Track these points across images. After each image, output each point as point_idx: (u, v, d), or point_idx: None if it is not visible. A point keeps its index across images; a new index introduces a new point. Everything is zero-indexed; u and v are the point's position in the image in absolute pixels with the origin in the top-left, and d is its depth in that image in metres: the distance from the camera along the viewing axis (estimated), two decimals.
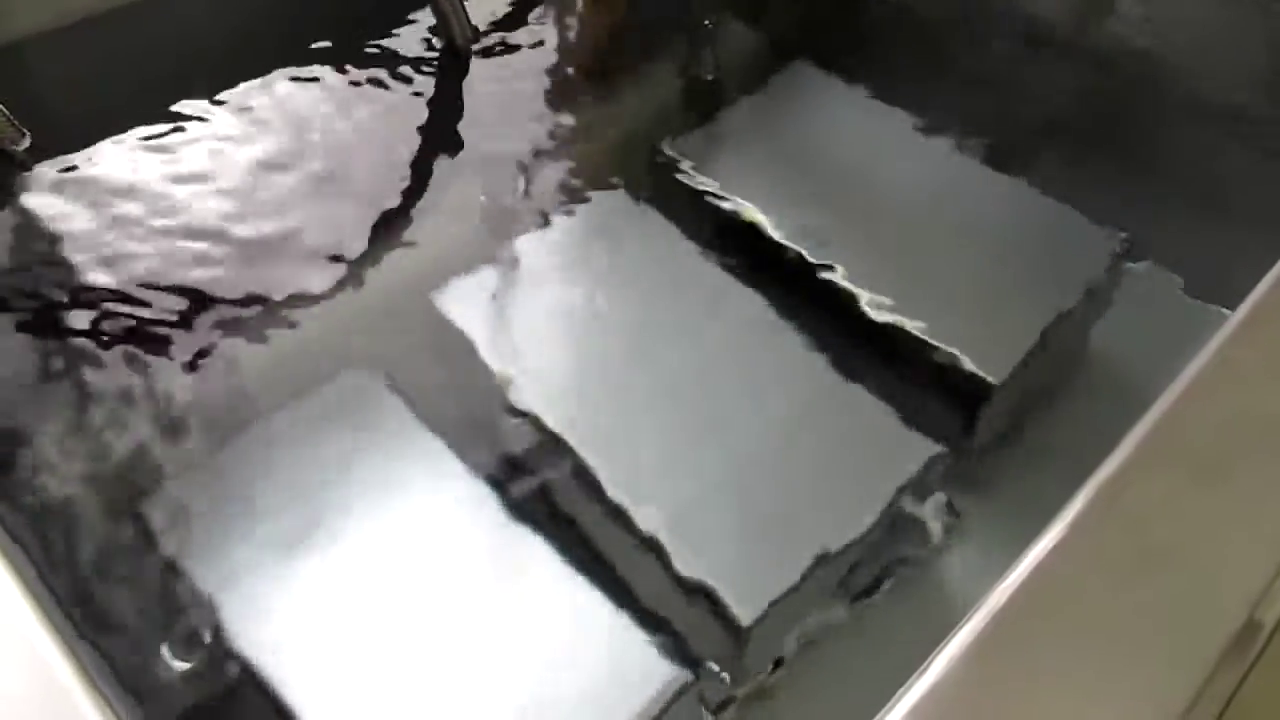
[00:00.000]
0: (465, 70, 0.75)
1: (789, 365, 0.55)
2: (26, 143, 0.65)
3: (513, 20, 0.78)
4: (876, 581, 0.54)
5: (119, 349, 0.57)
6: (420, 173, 0.68)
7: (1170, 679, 0.33)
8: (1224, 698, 0.34)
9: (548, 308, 0.57)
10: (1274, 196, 0.67)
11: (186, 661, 0.46)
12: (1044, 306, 0.57)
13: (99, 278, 0.60)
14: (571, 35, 0.78)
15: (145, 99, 0.68)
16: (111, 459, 0.53)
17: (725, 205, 0.62)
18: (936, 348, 0.56)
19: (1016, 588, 0.34)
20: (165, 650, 0.46)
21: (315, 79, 0.72)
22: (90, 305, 0.59)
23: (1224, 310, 0.63)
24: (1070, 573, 0.35)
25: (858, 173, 0.65)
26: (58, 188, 0.64)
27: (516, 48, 0.77)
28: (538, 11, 0.79)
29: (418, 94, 0.73)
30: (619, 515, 0.49)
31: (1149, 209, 0.67)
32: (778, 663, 0.51)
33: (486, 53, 0.76)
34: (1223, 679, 0.33)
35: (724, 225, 0.62)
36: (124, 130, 0.67)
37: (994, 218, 0.62)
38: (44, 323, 0.58)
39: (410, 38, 0.75)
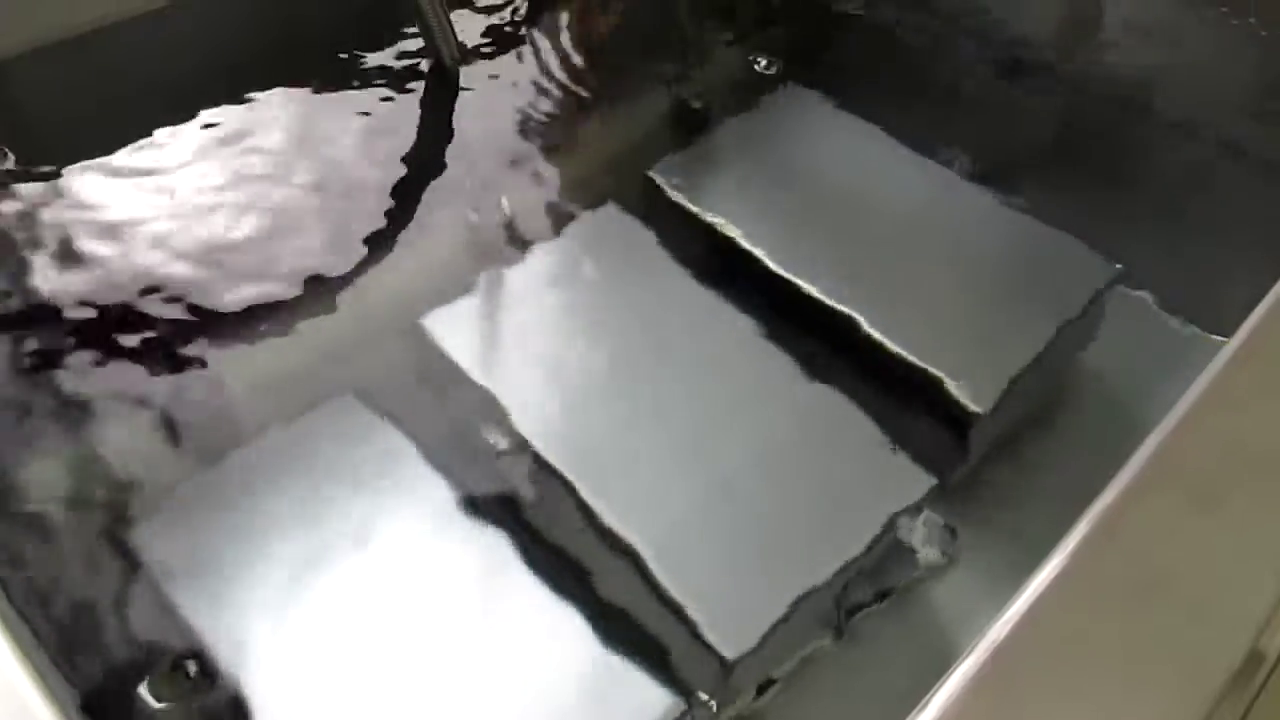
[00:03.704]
0: (453, 90, 0.75)
1: (779, 391, 0.55)
2: (9, 163, 0.65)
3: (501, 40, 0.78)
4: (866, 608, 0.53)
5: (99, 371, 0.56)
6: (407, 194, 0.68)
7: (1173, 712, 0.32)
8: None
9: (536, 331, 0.57)
10: (1262, 221, 0.67)
11: (166, 699, 0.45)
12: (1033, 332, 0.57)
13: (79, 299, 0.59)
14: (560, 56, 0.78)
15: (127, 119, 0.68)
16: (91, 483, 0.53)
17: (715, 228, 0.62)
18: (925, 373, 0.55)
19: (1016, 620, 0.34)
20: (144, 686, 0.45)
21: (301, 99, 0.72)
22: (69, 327, 0.58)
23: (1212, 336, 0.64)
24: (1070, 604, 0.35)
25: (848, 196, 0.65)
26: (38, 207, 0.63)
27: (505, 68, 0.77)
28: (526, 32, 0.79)
29: (405, 114, 0.72)
30: (608, 541, 0.49)
31: (1136, 231, 0.67)
32: (765, 689, 0.50)
33: (475, 73, 0.76)
34: (1226, 712, 0.32)
35: (714, 248, 0.62)
36: (105, 150, 0.66)
37: (984, 242, 0.62)
38: (21, 342, 0.57)
39: (397, 58, 0.75)
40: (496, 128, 0.73)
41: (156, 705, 0.45)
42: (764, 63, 0.78)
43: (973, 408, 0.54)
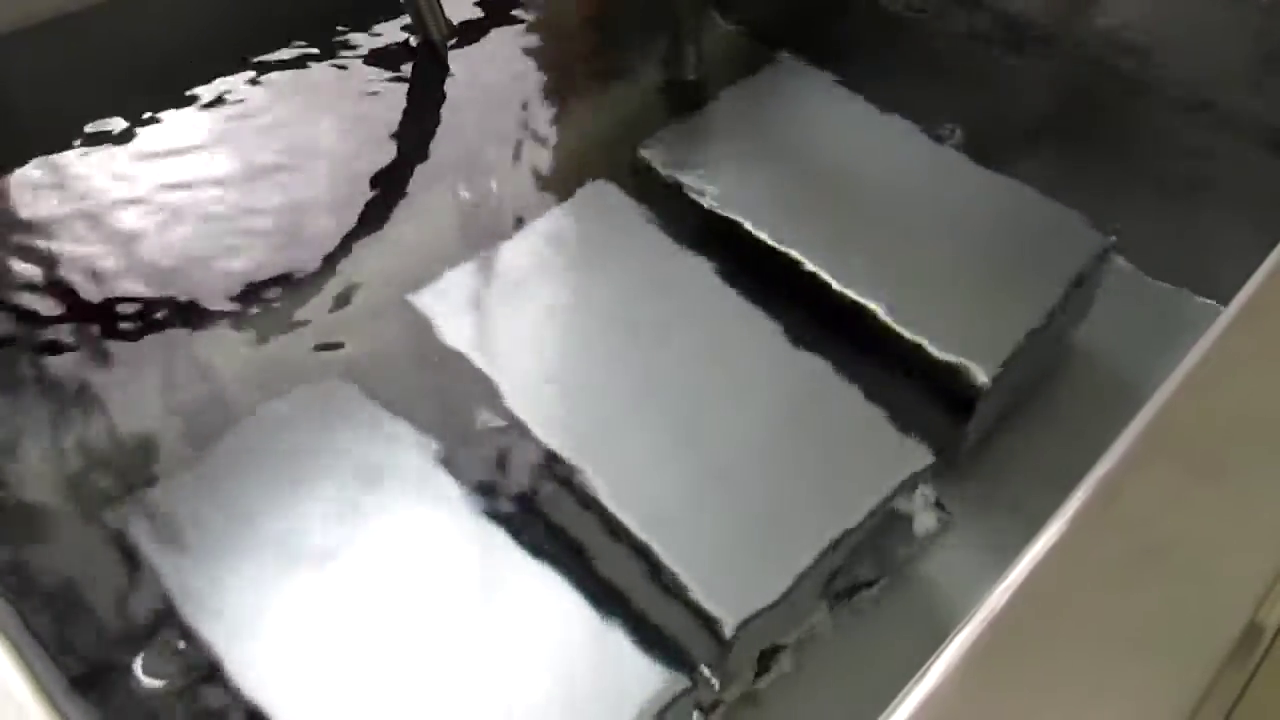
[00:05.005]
0: (442, 67, 0.74)
1: (776, 367, 0.54)
2: None
3: (490, 16, 0.77)
4: (866, 582, 0.53)
5: (86, 353, 0.56)
6: (396, 172, 0.67)
7: (1172, 685, 0.32)
8: (1227, 705, 0.33)
9: (529, 308, 0.56)
10: (1257, 188, 0.66)
11: (159, 679, 0.45)
12: (1032, 304, 0.57)
13: (65, 282, 0.59)
14: (551, 31, 0.77)
15: (113, 100, 0.67)
16: (80, 466, 0.52)
17: (708, 203, 0.61)
18: (923, 346, 0.55)
19: (1013, 591, 0.34)
20: (138, 666, 0.45)
21: (287, 78, 0.71)
22: (56, 309, 0.58)
23: (1207, 302, 0.64)
24: (1067, 575, 0.35)
25: (843, 169, 0.64)
26: (20, 192, 0.62)
27: (494, 44, 0.76)
28: (516, 6, 0.78)
29: (394, 92, 0.72)
30: (605, 519, 0.49)
31: (1133, 201, 0.67)
32: (766, 666, 0.50)
33: (463, 49, 0.75)
34: (1225, 685, 0.32)
35: (708, 223, 0.61)
36: (91, 132, 0.66)
37: (980, 214, 0.62)
38: (7, 326, 0.57)
39: (386, 35, 0.74)
40: (486, 104, 0.72)
41: (150, 683, 0.45)
42: (757, 33, 0.78)
43: (975, 379, 0.54)
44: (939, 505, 0.54)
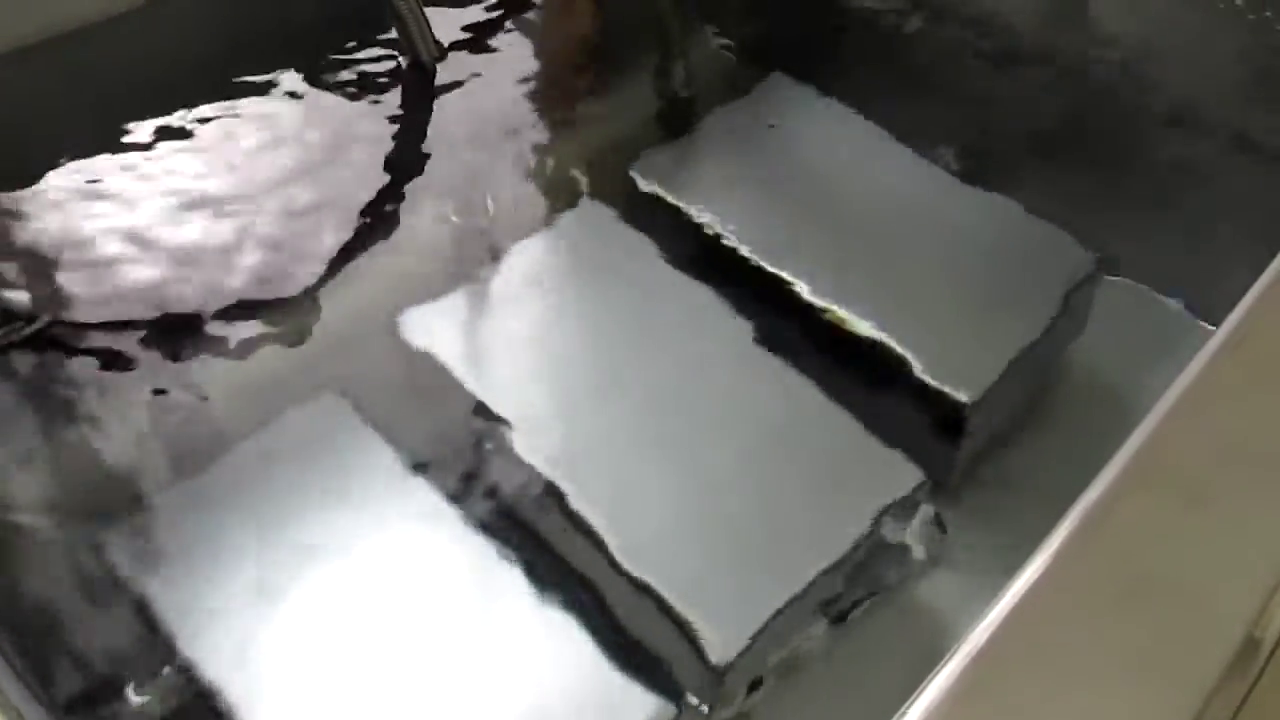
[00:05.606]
0: (431, 89, 0.74)
1: (767, 388, 0.54)
2: None
3: (480, 37, 0.77)
4: (858, 604, 0.53)
5: (72, 378, 0.56)
6: (385, 194, 0.67)
7: (1170, 703, 0.32)
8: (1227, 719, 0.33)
9: (520, 332, 0.56)
10: (1249, 208, 0.66)
11: (149, 702, 0.45)
12: (1020, 324, 0.57)
13: (55, 304, 0.58)
14: (541, 51, 0.77)
15: (98, 123, 0.67)
16: (69, 490, 0.52)
17: (701, 223, 0.61)
18: (912, 366, 0.55)
19: (1005, 616, 0.33)
20: (128, 691, 0.45)
21: (277, 101, 0.71)
22: (42, 334, 0.57)
23: (1200, 323, 0.64)
24: (1060, 599, 0.34)
25: (835, 188, 0.64)
26: (11, 213, 0.62)
27: (483, 65, 0.76)
28: (505, 28, 0.78)
29: (382, 114, 0.72)
30: (596, 544, 0.48)
31: (1123, 221, 0.67)
32: (755, 687, 0.50)
33: (453, 71, 0.75)
34: (1224, 700, 0.32)
35: (700, 243, 0.61)
36: (79, 155, 0.65)
37: (971, 233, 0.62)
38: None
39: (374, 56, 0.74)
40: (475, 125, 0.72)
41: (140, 707, 0.44)
42: (748, 52, 0.78)
43: (962, 399, 0.54)
44: (931, 527, 0.54)
